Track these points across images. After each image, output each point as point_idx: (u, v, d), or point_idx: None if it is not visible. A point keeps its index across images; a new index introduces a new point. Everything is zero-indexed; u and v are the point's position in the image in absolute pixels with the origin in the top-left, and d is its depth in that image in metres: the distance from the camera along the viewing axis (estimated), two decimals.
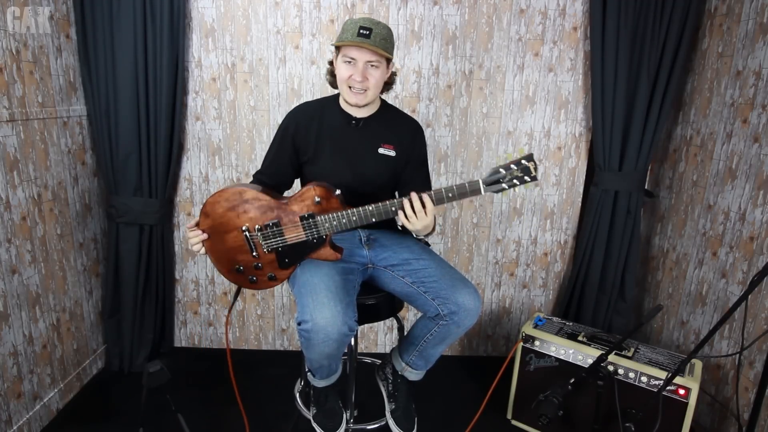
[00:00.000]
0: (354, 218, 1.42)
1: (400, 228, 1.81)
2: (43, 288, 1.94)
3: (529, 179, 1.36)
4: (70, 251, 2.11)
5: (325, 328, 1.29)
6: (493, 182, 1.36)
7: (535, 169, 1.35)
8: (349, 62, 1.47)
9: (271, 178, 1.66)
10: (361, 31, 1.43)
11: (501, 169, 1.35)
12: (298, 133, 1.60)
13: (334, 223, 1.43)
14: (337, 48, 1.51)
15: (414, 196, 1.37)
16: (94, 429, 1.98)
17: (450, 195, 1.37)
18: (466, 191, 1.36)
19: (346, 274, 1.48)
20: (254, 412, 2.08)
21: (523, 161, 1.35)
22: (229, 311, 1.71)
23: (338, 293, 1.36)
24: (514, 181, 1.36)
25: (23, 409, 1.85)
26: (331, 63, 1.60)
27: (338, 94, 1.62)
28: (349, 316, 1.34)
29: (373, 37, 1.43)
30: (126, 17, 2.03)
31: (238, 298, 2.55)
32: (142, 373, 1.68)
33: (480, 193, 1.36)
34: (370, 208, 1.40)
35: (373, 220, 1.41)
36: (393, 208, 1.39)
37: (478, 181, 1.36)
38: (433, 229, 1.49)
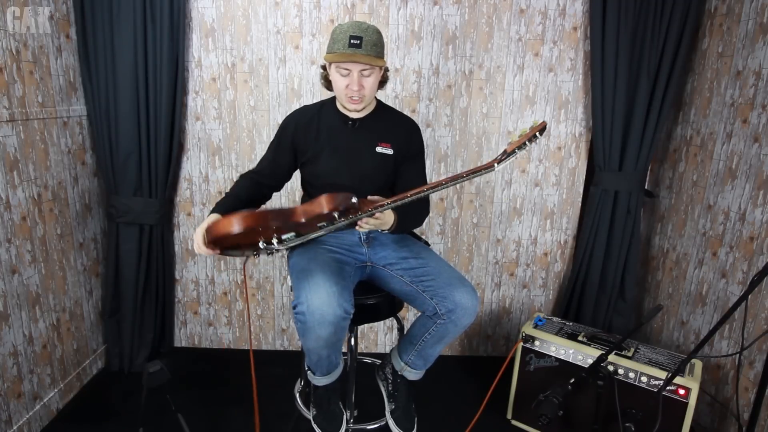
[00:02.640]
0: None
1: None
2: (43, 288, 1.94)
3: (532, 143, 1.34)
4: (70, 251, 2.11)
5: (320, 308, 1.29)
6: (505, 159, 1.32)
7: (541, 132, 1.34)
8: (344, 73, 1.47)
9: (268, 178, 1.67)
10: (352, 41, 1.42)
11: (516, 150, 1.31)
12: (297, 135, 1.61)
13: (351, 220, 1.36)
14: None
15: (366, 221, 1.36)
16: (94, 429, 1.98)
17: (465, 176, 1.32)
18: (480, 172, 1.31)
19: (342, 264, 1.49)
20: (254, 412, 2.08)
21: (537, 134, 1.33)
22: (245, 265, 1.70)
23: (333, 276, 1.37)
24: (524, 150, 1.34)
25: (23, 409, 1.85)
26: (324, 68, 1.59)
27: (334, 97, 1.63)
28: (345, 298, 1.34)
29: (365, 46, 1.42)
30: (126, 17, 2.03)
31: (238, 298, 2.55)
32: (142, 373, 1.69)
33: (494, 170, 1.32)
34: (390, 201, 1.33)
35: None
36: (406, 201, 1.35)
37: (493, 165, 1.30)
38: (396, 224, 1.48)
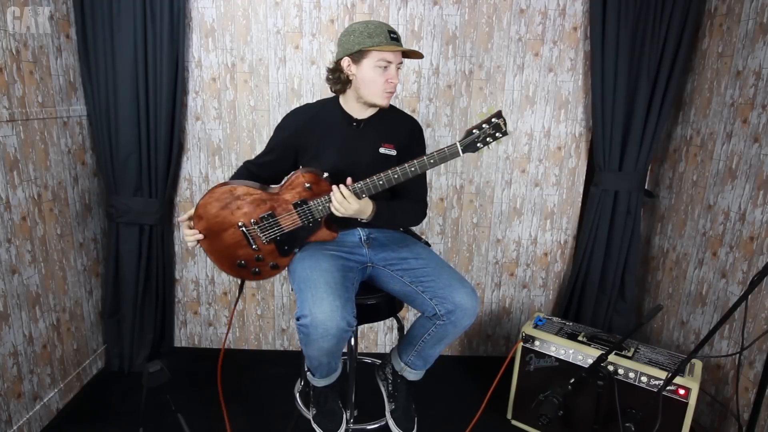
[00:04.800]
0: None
1: (400, 228, 1.81)
2: (43, 288, 1.94)
3: (500, 135, 1.41)
4: (70, 251, 2.11)
5: (324, 322, 1.30)
6: (469, 143, 1.41)
7: (505, 124, 1.40)
8: (384, 67, 1.49)
9: (263, 171, 1.68)
10: (392, 35, 1.48)
11: (474, 130, 1.41)
12: (299, 136, 1.61)
13: (327, 205, 1.47)
14: (360, 54, 1.48)
15: (336, 188, 1.43)
16: (94, 429, 1.98)
17: (432, 161, 1.42)
18: (446, 155, 1.41)
19: (345, 271, 1.49)
20: (254, 412, 2.08)
21: (493, 119, 1.40)
22: (234, 306, 1.74)
23: (337, 289, 1.37)
24: (488, 139, 1.41)
25: (23, 409, 1.85)
26: (334, 70, 1.56)
27: (336, 96, 1.63)
28: (348, 311, 1.34)
29: (401, 40, 1.51)
30: (126, 17, 2.03)
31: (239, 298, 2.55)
32: (142, 373, 1.69)
33: (459, 155, 1.41)
34: (359, 184, 1.44)
35: (364, 195, 1.46)
36: (380, 182, 1.44)
37: (455, 144, 1.41)
38: (375, 213, 1.52)
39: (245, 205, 1.49)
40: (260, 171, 1.68)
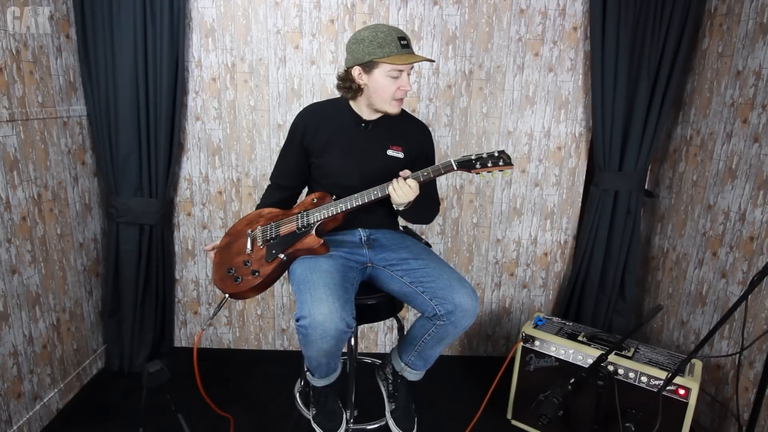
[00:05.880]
0: (340, 205, 1.50)
1: (401, 229, 1.81)
2: (43, 288, 1.94)
3: (503, 163, 1.43)
4: (70, 251, 2.11)
5: (322, 323, 1.30)
6: (465, 161, 1.45)
7: (509, 158, 1.44)
8: (395, 74, 1.49)
9: (287, 180, 1.71)
10: (402, 42, 1.46)
11: (473, 155, 1.45)
12: (307, 134, 1.61)
13: (323, 211, 1.52)
14: (371, 63, 1.48)
15: (400, 179, 1.47)
16: (94, 429, 1.98)
17: (425, 174, 1.46)
18: (439, 170, 1.45)
19: (345, 272, 1.49)
20: (254, 412, 2.08)
21: (495, 153, 1.44)
22: (210, 320, 1.77)
23: (336, 290, 1.37)
24: (488, 164, 1.43)
25: (23, 409, 1.85)
26: (345, 79, 1.56)
27: (345, 97, 1.63)
28: (347, 312, 1.35)
29: (412, 45, 1.50)
30: (126, 17, 2.03)
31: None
32: (142, 373, 1.68)
33: (453, 169, 1.44)
34: (356, 195, 1.49)
35: (358, 202, 1.49)
36: (425, 173, 1.46)
37: (450, 160, 1.45)
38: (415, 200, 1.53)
39: (264, 220, 1.63)
40: (285, 182, 1.71)
